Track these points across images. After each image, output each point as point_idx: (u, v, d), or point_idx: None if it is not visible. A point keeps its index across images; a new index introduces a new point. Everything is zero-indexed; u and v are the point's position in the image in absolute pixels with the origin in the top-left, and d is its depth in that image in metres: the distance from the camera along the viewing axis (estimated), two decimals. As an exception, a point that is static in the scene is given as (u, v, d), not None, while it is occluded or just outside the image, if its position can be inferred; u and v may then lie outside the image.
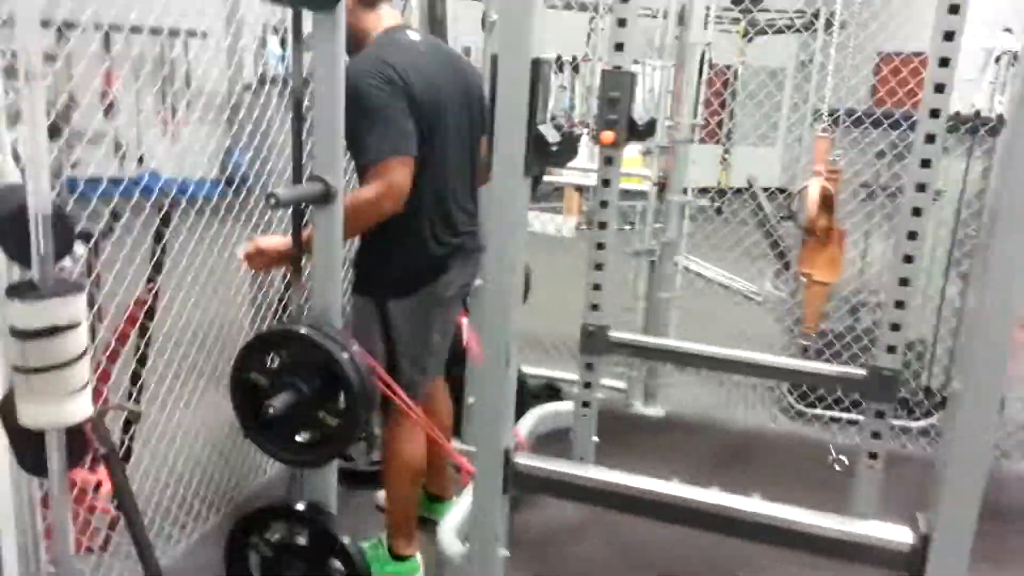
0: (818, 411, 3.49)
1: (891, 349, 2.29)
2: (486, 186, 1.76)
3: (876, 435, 2.36)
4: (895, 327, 2.28)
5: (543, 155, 1.47)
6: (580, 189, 3.85)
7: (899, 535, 1.43)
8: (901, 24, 4.05)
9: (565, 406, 2.84)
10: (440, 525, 2.00)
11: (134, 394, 2.10)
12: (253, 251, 1.84)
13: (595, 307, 2.56)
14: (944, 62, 2.12)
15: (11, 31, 0.95)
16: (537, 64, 1.44)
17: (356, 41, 1.94)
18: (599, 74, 2.69)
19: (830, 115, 3.15)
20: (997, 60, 5.07)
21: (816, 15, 6.92)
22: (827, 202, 3.08)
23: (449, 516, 2.04)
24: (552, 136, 1.46)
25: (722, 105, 7.74)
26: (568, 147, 1.49)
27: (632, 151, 3.63)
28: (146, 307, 2.04)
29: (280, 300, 2.70)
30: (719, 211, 5.04)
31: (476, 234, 2.20)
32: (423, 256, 2.05)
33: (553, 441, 2.84)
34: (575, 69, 6.78)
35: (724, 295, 4.37)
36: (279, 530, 1.77)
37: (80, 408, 1.00)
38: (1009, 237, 1.23)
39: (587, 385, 2.63)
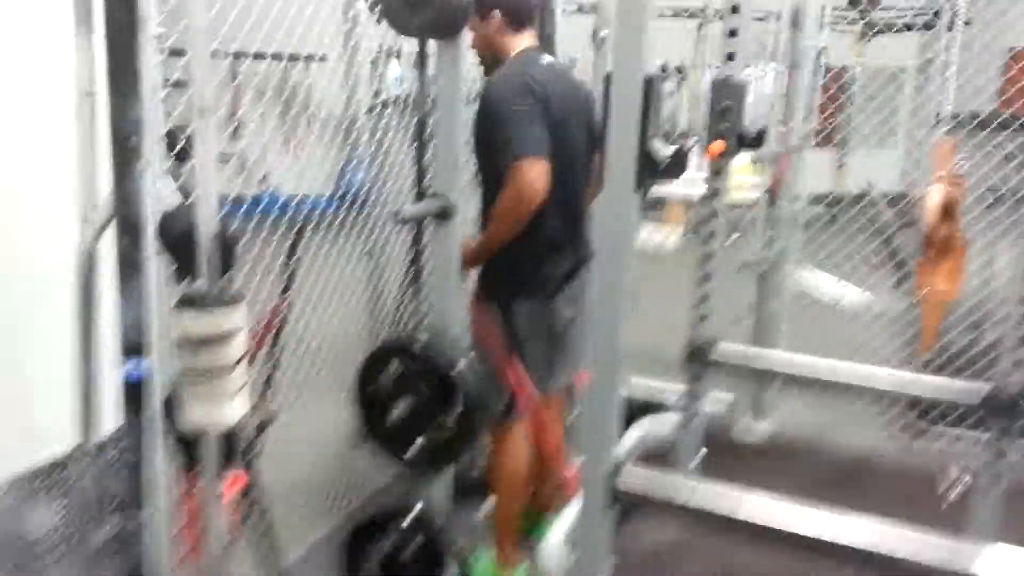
0: (940, 428, 3.32)
1: (1018, 364, 2.17)
2: (596, 201, 1.80)
3: (1000, 454, 2.24)
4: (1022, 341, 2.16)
5: (653, 170, 1.50)
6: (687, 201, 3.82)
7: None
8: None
9: (671, 418, 2.82)
10: (546, 536, 2.03)
11: (268, 398, 2.24)
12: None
13: (702, 319, 2.54)
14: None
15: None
16: (650, 82, 1.47)
17: (495, 59, 2.08)
18: (707, 81, 2.67)
19: (953, 118, 3.00)
20: None
21: (938, 13, 6.62)
22: (949, 210, 2.95)
23: (555, 528, 2.07)
24: (662, 152, 1.48)
25: (839, 109, 7.47)
26: (677, 162, 1.50)
27: (742, 158, 3.57)
28: (280, 316, 2.18)
29: (397, 310, 2.81)
30: (833, 219, 4.87)
31: (590, 255, 2.27)
32: (550, 262, 2.15)
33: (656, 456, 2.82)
34: (681, 77, 6.72)
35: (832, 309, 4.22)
36: (393, 536, 1.85)
37: (239, 409, 1.10)
38: None
39: (692, 398, 2.61)
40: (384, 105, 3.08)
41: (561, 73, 2.21)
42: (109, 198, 1.13)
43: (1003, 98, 5.38)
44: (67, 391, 1.28)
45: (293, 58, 2.56)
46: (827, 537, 1.56)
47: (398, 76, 3.33)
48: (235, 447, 1.17)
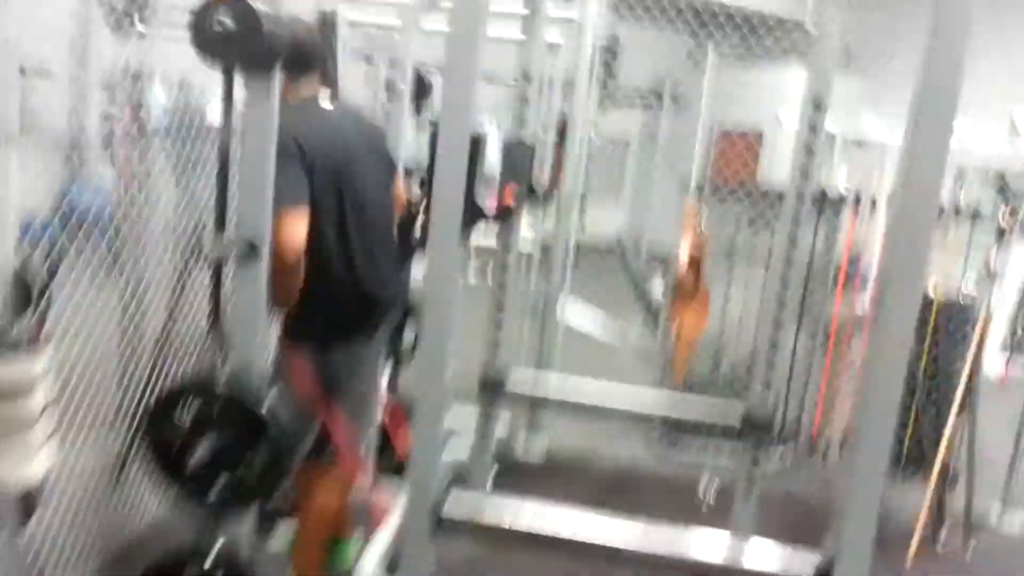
0: (691, 441, 3.76)
1: (766, 384, 2.56)
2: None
3: (756, 462, 2.62)
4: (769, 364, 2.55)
5: (478, 217, 1.60)
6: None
7: (806, 560, 1.63)
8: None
9: (465, 441, 2.92)
10: (358, 566, 2.03)
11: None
12: None
13: (495, 350, 2.68)
14: (809, 150, 2.45)
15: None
16: (476, 139, 1.58)
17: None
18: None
19: (697, 187, 3.49)
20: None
21: (660, 95, 7.66)
22: (695, 263, 3.41)
23: (367, 558, 2.07)
24: (488, 206, 1.60)
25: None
26: (506, 215, 1.63)
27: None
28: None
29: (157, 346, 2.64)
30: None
31: (400, 292, 2.33)
32: (355, 308, 2.16)
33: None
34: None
35: (594, 345, 4.62)
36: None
37: (44, 464, 0.99)
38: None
39: (487, 421, 2.74)
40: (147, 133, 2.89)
41: (344, 117, 2.21)
42: None
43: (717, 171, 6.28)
44: None
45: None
46: (619, 544, 1.75)
47: (163, 105, 3.10)
48: (32, 505, 1.05)
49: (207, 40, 1.56)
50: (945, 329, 3.42)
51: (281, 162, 1.88)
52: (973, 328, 3.25)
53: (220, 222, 1.68)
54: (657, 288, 4.94)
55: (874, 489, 1.56)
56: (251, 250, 1.62)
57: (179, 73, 3.11)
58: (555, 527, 1.79)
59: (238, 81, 1.65)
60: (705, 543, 1.77)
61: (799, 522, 3.15)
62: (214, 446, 1.58)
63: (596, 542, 1.79)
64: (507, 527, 1.76)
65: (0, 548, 1.02)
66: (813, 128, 2.46)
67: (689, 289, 3.41)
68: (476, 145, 1.57)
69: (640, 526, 1.83)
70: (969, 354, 3.22)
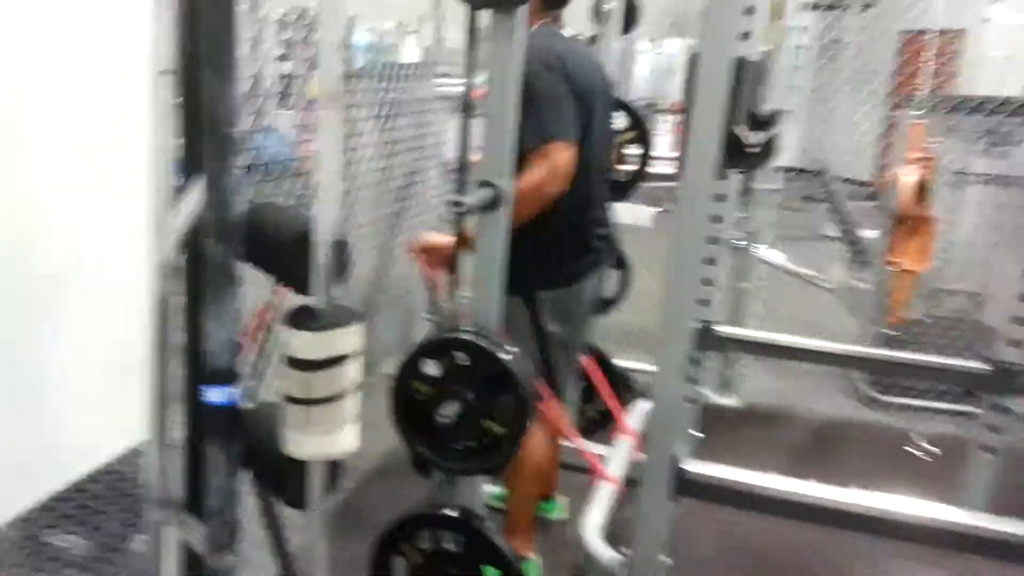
0: (897, 399, 3.45)
1: (1016, 343, 2.24)
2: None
3: (994, 428, 2.33)
4: (1020, 321, 2.23)
5: (739, 156, 1.42)
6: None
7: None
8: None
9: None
10: (582, 529, 1.97)
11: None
12: (421, 248, 1.83)
13: (704, 303, 2.51)
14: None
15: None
16: (741, 64, 1.38)
17: None
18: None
19: (928, 101, 3.07)
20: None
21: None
22: (921, 190, 3.03)
23: (589, 519, 2.00)
24: (750, 137, 1.41)
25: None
26: (767, 149, 1.43)
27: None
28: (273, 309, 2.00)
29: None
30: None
31: (613, 242, 2.20)
32: (577, 247, 2.05)
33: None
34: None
35: (795, 283, 4.32)
36: (429, 538, 1.73)
37: (352, 438, 0.96)
38: None
39: (691, 380, 2.59)
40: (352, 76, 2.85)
41: (583, 51, 2.10)
42: (191, 198, 0.95)
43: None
44: (91, 406, 1.08)
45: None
46: (877, 515, 1.57)
47: (365, 44, 3.07)
48: (339, 476, 1.03)
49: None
50: None
51: (549, 80, 1.82)
52: None
53: (463, 169, 1.59)
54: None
55: None
56: (495, 200, 1.52)
57: (352, 10, 3.06)
58: (806, 494, 1.65)
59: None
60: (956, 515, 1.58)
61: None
62: (464, 401, 1.53)
63: (855, 511, 1.63)
64: (757, 493, 1.63)
65: (310, 517, 1.00)
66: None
67: (914, 218, 3.04)
68: (741, 71, 1.38)
69: (885, 496, 1.66)
70: None
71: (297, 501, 1.00)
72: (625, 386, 2.79)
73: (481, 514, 1.71)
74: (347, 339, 0.93)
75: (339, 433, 0.94)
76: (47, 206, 0.87)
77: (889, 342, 3.37)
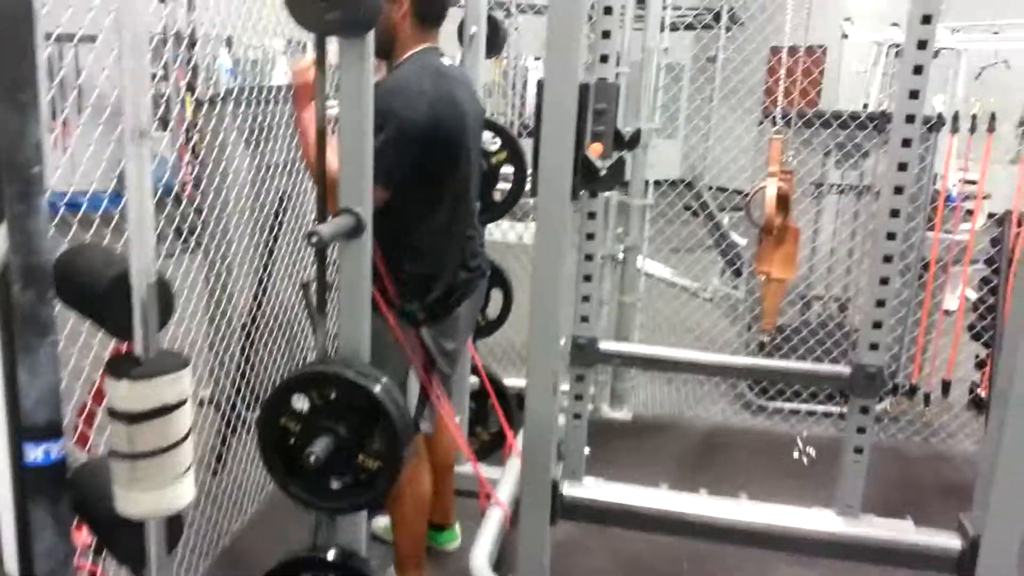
0: (777, 404, 3.61)
1: (874, 346, 2.38)
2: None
3: (861, 430, 2.45)
4: (877, 325, 2.37)
5: (591, 179, 1.45)
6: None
7: (949, 540, 1.49)
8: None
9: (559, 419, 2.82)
10: (471, 558, 1.94)
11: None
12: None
13: (584, 319, 2.54)
14: (918, 69, 2.21)
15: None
16: (585, 89, 1.41)
17: (389, 50, 1.91)
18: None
19: (783, 117, 3.25)
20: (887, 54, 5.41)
21: (717, 15, 7.23)
22: (783, 201, 3.18)
23: (478, 547, 1.98)
24: (600, 162, 1.44)
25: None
26: (616, 172, 1.47)
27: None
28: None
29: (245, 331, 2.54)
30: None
31: (485, 259, 2.21)
32: (457, 279, 2.05)
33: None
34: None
35: (673, 293, 4.46)
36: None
37: (186, 492, 0.90)
38: None
39: (578, 397, 2.62)
40: (216, 99, 2.75)
41: (458, 75, 2.07)
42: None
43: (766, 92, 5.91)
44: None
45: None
46: (761, 530, 1.63)
47: (230, 67, 2.98)
48: (179, 530, 0.96)
49: (298, 3, 1.41)
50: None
51: (402, 125, 1.78)
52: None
53: (321, 199, 1.55)
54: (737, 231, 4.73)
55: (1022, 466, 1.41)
56: (357, 228, 1.49)
57: (226, 32, 2.97)
58: (680, 508, 1.69)
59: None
60: (831, 521, 1.66)
61: (905, 478, 3.00)
62: (337, 435, 1.48)
63: (734, 526, 1.68)
64: (632, 511, 1.65)
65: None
66: (923, 44, 2.22)
67: (779, 229, 3.19)
68: (584, 94, 1.41)
69: (766, 506, 1.73)
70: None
71: (133, 562, 0.93)
72: (516, 406, 2.80)
73: (361, 554, 1.66)
74: (173, 387, 0.87)
75: (170, 488, 0.88)
76: None
77: (764, 348, 3.51)
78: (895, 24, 5.19)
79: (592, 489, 1.66)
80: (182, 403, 0.88)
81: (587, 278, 2.53)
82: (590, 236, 2.50)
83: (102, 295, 0.85)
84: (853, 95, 6.13)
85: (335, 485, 1.56)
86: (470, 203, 2.11)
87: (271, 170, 2.83)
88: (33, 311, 0.86)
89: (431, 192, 1.94)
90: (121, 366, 0.86)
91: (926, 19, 2.17)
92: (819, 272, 3.61)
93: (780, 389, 3.56)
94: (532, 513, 1.58)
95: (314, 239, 1.40)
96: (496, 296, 2.72)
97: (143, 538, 0.92)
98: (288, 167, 2.93)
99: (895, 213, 2.31)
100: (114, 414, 0.86)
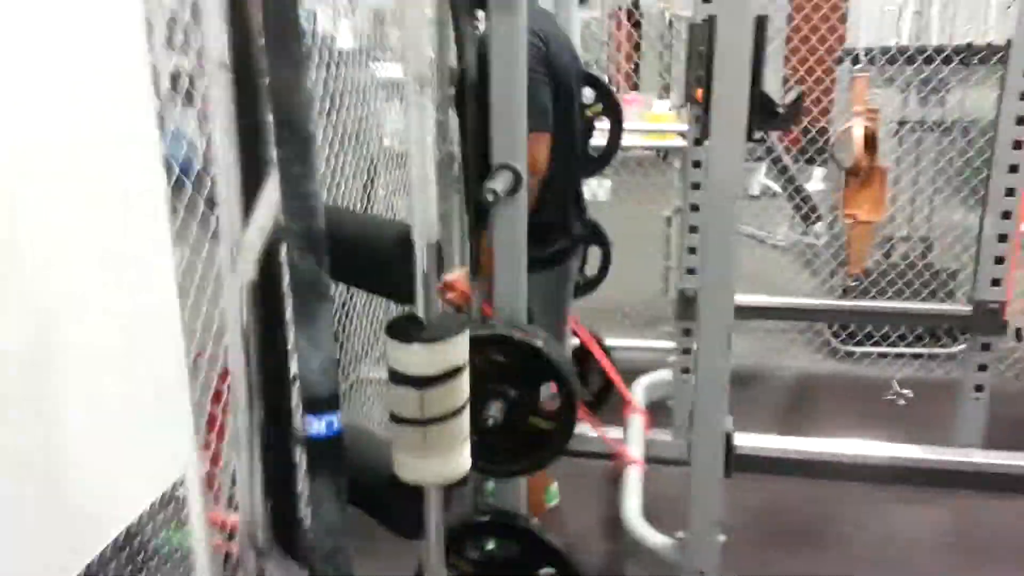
0: (865, 348, 3.55)
1: (995, 282, 2.34)
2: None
3: (982, 367, 2.42)
4: (999, 260, 2.32)
5: (769, 117, 1.39)
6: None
7: None
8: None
9: (665, 375, 2.79)
10: (625, 516, 1.93)
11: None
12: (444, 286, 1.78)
13: (691, 271, 2.51)
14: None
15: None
16: (761, 22, 1.35)
17: None
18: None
19: (866, 54, 3.15)
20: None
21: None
22: (870, 141, 3.11)
23: (627, 504, 1.97)
24: (780, 98, 1.38)
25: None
26: (794, 110, 1.41)
27: (662, 107, 3.57)
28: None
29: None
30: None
31: (589, 221, 2.18)
32: (559, 230, 2.01)
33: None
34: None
35: (749, 243, 4.39)
36: (477, 546, 1.65)
37: (468, 457, 0.87)
38: None
39: (686, 351, 2.59)
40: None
41: (557, 27, 2.02)
42: (266, 208, 0.84)
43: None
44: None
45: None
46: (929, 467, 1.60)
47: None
48: (451, 500, 0.94)
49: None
50: None
51: (529, 67, 1.72)
52: None
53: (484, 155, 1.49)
54: (815, 177, 4.64)
55: None
56: (515, 181, 1.44)
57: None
58: (843, 454, 1.67)
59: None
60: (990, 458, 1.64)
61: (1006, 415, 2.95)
62: (507, 397, 1.46)
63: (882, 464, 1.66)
64: (803, 460, 1.63)
65: (428, 546, 0.91)
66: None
67: (866, 170, 3.12)
68: (762, 27, 1.35)
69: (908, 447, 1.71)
70: None
71: (412, 530, 0.91)
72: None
73: (528, 516, 1.64)
74: (460, 350, 0.84)
75: (456, 453, 0.86)
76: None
77: (848, 293, 3.46)
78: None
79: (761, 440, 1.63)
80: (466, 366, 0.85)
81: (692, 229, 2.49)
82: (695, 186, 2.45)
83: (384, 260, 0.82)
84: (883, 31, 5.98)
85: (507, 448, 1.54)
86: (579, 151, 2.07)
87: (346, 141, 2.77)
88: (313, 278, 0.82)
89: (555, 137, 1.89)
90: (405, 330, 0.83)
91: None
92: (902, 213, 3.54)
93: (868, 333, 3.50)
94: (706, 466, 1.55)
95: (490, 196, 1.35)
96: (594, 254, 2.67)
97: (421, 505, 0.89)
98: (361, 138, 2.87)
99: (1018, 145, 2.25)
100: (400, 379, 0.83)
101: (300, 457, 0.92)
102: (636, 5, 4.79)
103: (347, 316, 2.63)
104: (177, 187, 1.52)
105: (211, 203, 1.43)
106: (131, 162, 0.89)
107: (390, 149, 3.15)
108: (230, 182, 0.84)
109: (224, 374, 1.89)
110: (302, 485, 0.93)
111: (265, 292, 0.86)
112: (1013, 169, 2.25)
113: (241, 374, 0.85)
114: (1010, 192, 2.25)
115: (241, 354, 0.85)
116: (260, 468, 0.85)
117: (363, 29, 3.09)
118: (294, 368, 0.88)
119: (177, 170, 1.47)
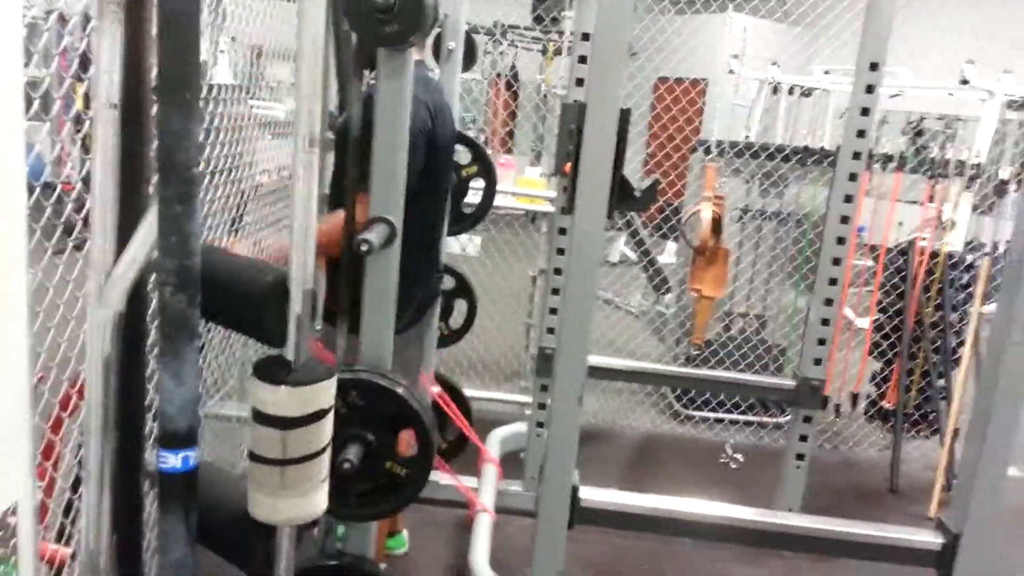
0: (703, 413, 3.82)
1: (817, 361, 2.60)
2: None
3: (803, 438, 2.66)
4: (821, 341, 2.59)
5: (627, 199, 1.53)
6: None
7: (930, 536, 1.67)
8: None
9: (521, 427, 2.87)
10: (473, 562, 1.96)
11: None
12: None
13: (551, 331, 2.62)
14: (865, 111, 2.45)
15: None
16: (625, 114, 1.49)
17: None
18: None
19: (717, 146, 3.47)
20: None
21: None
22: (716, 225, 3.40)
23: (476, 551, 2.00)
24: (636, 183, 1.52)
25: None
26: (650, 193, 1.55)
27: (534, 173, 3.74)
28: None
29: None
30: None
31: (441, 278, 2.28)
32: (421, 292, 2.06)
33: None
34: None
35: (605, 308, 4.62)
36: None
37: (324, 499, 0.89)
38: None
39: (541, 406, 2.69)
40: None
41: (441, 93, 2.10)
42: (142, 242, 0.85)
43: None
44: None
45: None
46: (765, 528, 1.76)
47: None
48: (302, 541, 0.95)
49: (360, 16, 1.41)
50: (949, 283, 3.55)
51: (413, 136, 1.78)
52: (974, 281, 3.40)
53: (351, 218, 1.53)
54: (668, 251, 4.96)
55: (1000, 469, 1.61)
56: (391, 232, 1.50)
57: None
58: (681, 512, 1.80)
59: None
60: (811, 522, 1.82)
61: (823, 482, 3.25)
62: (366, 441, 1.48)
63: (716, 524, 1.80)
64: (643, 515, 1.74)
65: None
66: (870, 88, 2.46)
67: (712, 250, 3.41)
68: (625, 120, 1.49)
69: (741, 508, 1.87)
70: (973, 307, 3.36)
71: (261, 569, 0.91)
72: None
73: (375, 562, 1.65)
74: (327, 395, 0.87)
75: (312, 495, 0.88)
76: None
77: (692, 361, 3.72)
78: (775, 63, 5.68)
79: (604, 494, 1.73)
80: (330, 409, 0.88)
81: (555, 291, 2.62)
82: (560, 251, 2.59)
83: (257, 303, 0.84)
84: (733, 126, 6.60)
85: (361, 493, 1.56)
86: (444, 211, 2.17)
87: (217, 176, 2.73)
88: (183, 316, 0.84)
89: (424, 197, 1.96)
90: (273, 372, 0.85)
91: (873, 66, 2.41)
92: (743, 292, 3.86)
93: (707, 400, 3.77)
94: (552, 517, 1.63)
95: (364, 247, 1.40)
96: (460, 307, 2.75)
97: (271, 545, 0.90)
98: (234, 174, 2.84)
99: (841, 240, 2.54)
100: (264, 419, 0.85)
101: (149, 491, 0.92)
102: (516, 77, 5.05)
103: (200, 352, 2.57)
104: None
105: (68, 228, 1.40)
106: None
107: (261, 186, 3.13)
108: (107, 215, 0.85)
109: (66, 400, 1.79)
110: (151, 519, 0.92)
111: (130, 324, 0.86)
112: (836, 262, 2.53)
113: (98, 403, 0.84)
114: (833, 281, 2.53)
115: (100, 383, 0.84)
116: (109, 499, 0.85)
117: (242, 66, 3.08)
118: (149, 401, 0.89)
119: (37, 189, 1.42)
